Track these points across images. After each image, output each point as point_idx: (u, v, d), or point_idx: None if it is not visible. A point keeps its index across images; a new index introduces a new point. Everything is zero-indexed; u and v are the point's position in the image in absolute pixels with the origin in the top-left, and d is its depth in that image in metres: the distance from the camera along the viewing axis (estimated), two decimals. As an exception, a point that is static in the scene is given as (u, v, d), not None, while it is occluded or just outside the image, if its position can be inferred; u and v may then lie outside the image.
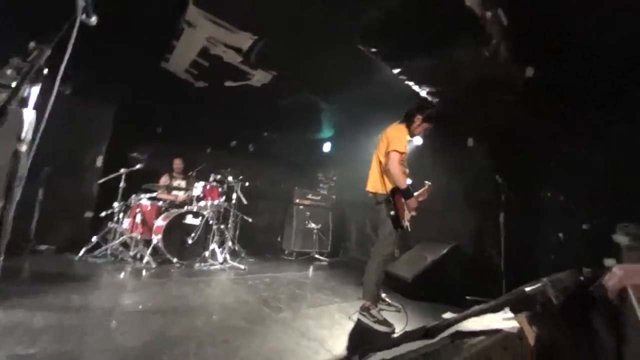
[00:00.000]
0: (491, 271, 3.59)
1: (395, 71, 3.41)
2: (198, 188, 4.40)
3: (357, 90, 4.52)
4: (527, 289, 0.87)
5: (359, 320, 2.36)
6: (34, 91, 0.90)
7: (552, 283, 0.88)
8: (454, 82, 3.45)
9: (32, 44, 0.93)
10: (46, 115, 0.96)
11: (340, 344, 1.93)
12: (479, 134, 4.33)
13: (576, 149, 3.51)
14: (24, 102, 0.87)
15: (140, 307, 2.27)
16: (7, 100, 0.77)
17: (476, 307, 0.80)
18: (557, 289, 0.86)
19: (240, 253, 4.85)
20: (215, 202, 4.35)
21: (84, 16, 1.12)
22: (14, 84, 0.85)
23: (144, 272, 3.42)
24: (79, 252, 3.63)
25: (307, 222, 5.67)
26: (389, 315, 2.42)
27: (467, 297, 2.98)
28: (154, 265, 3.64)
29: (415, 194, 2.56)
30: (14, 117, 0.81)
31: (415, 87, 3.65)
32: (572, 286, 0.99)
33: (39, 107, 0.94)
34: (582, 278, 1.12)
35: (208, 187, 4.41)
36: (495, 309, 0.73)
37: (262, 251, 5.53)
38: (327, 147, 7.07)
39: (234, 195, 4.73)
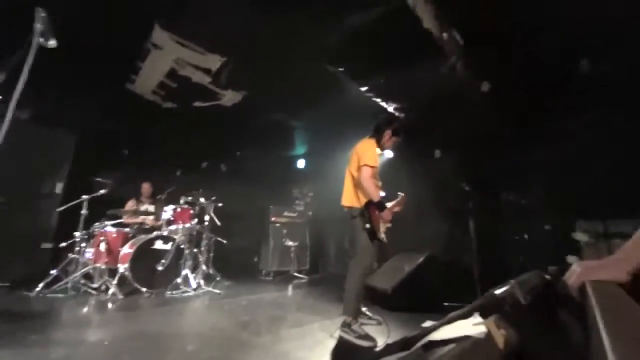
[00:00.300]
0: (466, 277, 3.70)
1: (363, 89, 3.54)
2: (168, 212, 4.22)
3: (327, 107, 4.64)
4: (497, 292, 0.91)
5: (340, 337, 2.32)
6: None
7: (520, 284, 0.93)
8: (417, 97, 3.64)
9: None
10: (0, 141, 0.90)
11: (322, 364, 1.89)
12: (445, 144, 4.56)
13: (533, 154, 3.79)
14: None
15: (106, 342, 2.10)
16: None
17: (450, 315, 0.83)
18: (524, 290, 0.90)
19: (216, 277, 4.65)
20: (187, 225, 4.18)
21: (41, 39, 1.08)
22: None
23: (109, 305, 3.18)
24: (36, 287, 3.32)
25: (284, 239, 5.59)
26: (370, 329, 2.40)
27: (445, 304, 3.04)
28: (120, 297, 3.39)
29: (389, 205, 2.62)
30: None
31: (383, 103, 3.81)
32: (539, 285, 1.04)
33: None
34: (548, 277, 1.19)
35: (178, 209, 4.24)
36: (465, 315, 0.76)
37: (239, 273, 5.35)
38: (301, 163, 7.10)
39: (207, 217, 4.57)
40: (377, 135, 2.75)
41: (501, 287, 0.94)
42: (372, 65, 3.20)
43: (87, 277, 3.74)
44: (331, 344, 2.23)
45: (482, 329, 0.67)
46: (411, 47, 2.94)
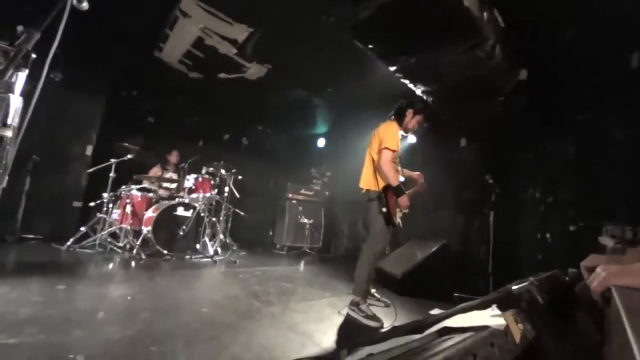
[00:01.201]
0: (479, 269, 3.66)
1: (392, 69, 3.40)
2: (190, 180, 4.36)
3: (352, 87, 4.53)
4: (514, 287, 0.88)
5: (348, 314, 2.38)
6: (21, 77, 0.87)
7: (538, 282, 0.90)
8: (448, 81, 3.47)
9: (19, 28, 0.90)
10: (34, 101, 0.93)
11: (328, 338, 1.95)
12: (472, 133, 4.38)
13: (566, 151, 3.58)
14: (10, 88, 0.85)
15: (129, 298, 2.25)
16: (-7, 85, 0.75)
17: (464, 304, 0.82)
18: (542, 289, 0.88)
19: (232, 246, 4.82)
20: (207, 194, 4.32)
21: (74, 1, 1.09)
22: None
23: (132, 264, 3.39)
24: (66, 242, 3.57)
25: (299, 217, 5.68)
26: (378, 311, 2.44)
27: (455, 294, 3.02)
28: (143, 257, 3.60)
29: (407, 191, 2.58)
30: (1, 103, 0.78)
31: (411, 85, 3.66)
32: (558, 286, 1.01)
33: (27, 94, 0.91)
34: (567, 278, 1.14)
35: (200, 179, 4.37)
36: (482, 306, 0.75)
37: (254, 245, 5.53)
38: (321, 142, 7.06)
39: (226, 189, 4.70)
40: (400, 118, 2.67)
41: (519, 284, 0.91)
42: (403, 44, 3.05)
43: (113, 236, 3.98)
44: (338, 320, 2.29)
45: (500, 321, 0.66)
46: (447, 27, 2.77)
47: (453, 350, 0.50)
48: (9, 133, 0.84)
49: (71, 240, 3.60)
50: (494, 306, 0.73)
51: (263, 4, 3.16)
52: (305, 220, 5.67)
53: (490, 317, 0.68)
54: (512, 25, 3.00)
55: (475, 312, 0.72)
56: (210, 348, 1.65)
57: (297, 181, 6.16)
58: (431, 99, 3.79)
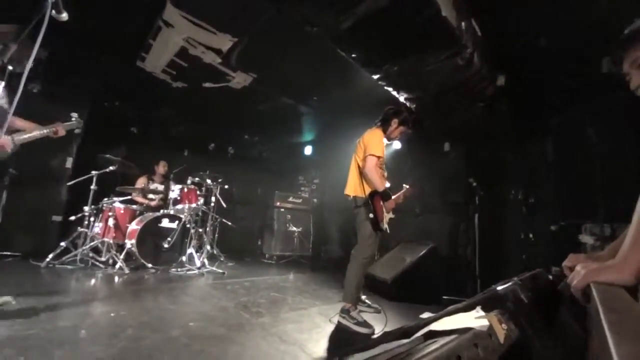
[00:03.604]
0: (467, 271, 3.72)
1: (375, 77, 3.47)
2: (175, 191, 4.28)
3: (337, 94, 4.58)
4: (499, 288, 0.91)
5: (339, 322, 2.37)
6: (-3, 89, 0.85)
7: (522, 282, 0.93)
8: (430, 88, 3.56)
9: (-5, 40, 0.88)
10: (10, 113, 0.91)
11: (320, 347, 1.94)
12: (454, 138, 4.50)
13: (545, 153, 3.72)
14: (-15, 101, 0.82)
15: (112, 314, 2.17)
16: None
17: (450, 307, 0.83)
18: (526, 288, 0.91)
19: (219, 257, 4.75)
20: (193, 205, 4.24)
21: (53, 12, 1.07)
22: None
23: (116, 279, 3.27)
24: (45, 258, 3.42)
25: (288, 225, 5.64)
26: (369, 317, 2.44)
27: (444, 297, 3.06)
28: (127, 271, 3.49)
29: (394, 196, 2.62)
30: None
31: (394, 93, 3.74)
32: (541, 285, 1.04)
33: (4, 104, 0.89)
34: (550, 277, 1.18)
35: (185, 189, 4.29)
36: (468, 308, 0.76)
37: (242, 255, 5.45)
38: (308, 150, 7.09)
39: (213, 199, 4.63)
40: (385, 125, 2.73)
41: (503, 284, 0.94)
42: (385, 53, 3.13)
43: (95, 250, 3.84)
44: (329, 328, 2.28)
45: (484, 322, 0.67)
46: (427, 36, 2.86)
47: (438, 354, 0.51)
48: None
49: (50, 255, 3.45)
50: (479, 307, 0.75)
51: (247, 14, 3.18)
52: (294, 229, 5.64)
53: (474, 319, 0.69)
54: (489, 33, 3.13)
55: (460, 315, 0.73)
56: (199, 363, 1.61)
57: (285, 189, 6.15)
58: (414, 105, 3.88)
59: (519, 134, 3.93)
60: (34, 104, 3.51)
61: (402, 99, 3.81)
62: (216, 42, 3.68)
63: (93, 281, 3.11)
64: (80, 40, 3.47)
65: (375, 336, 2.17)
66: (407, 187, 2.85)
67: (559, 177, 3.57)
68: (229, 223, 4.94)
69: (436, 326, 0.67)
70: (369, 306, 2.76)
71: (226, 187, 4.83)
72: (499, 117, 3.83)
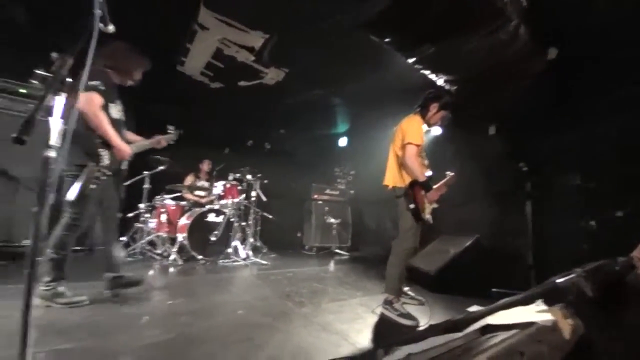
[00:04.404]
0: (518, 263, 3.47)
1: (410, 61, 3.33)
2: (218, 187, 4.50)
3: (370, 83, 4.46)
4: (559, 280, 0.83)
5: (382, 313, 2.34)
6: (59, 100, 0.94)
7: (586, 274, 0.84)
8: (471, 68, 3.33)
9: (54, 55, 0.97)
10: (71, 122, 1.00)
11: (363, 337, 1.93)
12: (500, 120, 4.17)
13: (606, 131, 3.32)
14: (49, 112, 0.91)
15: (169, 302, 2.36)
16: (35, 110, 0.81)
17: (505, 300, 0.78)
18: (591, 280, 0.82)
19: (262, 249, 4.94)
20: (236, 200, 4.44)
21: (101, 25, 1.16)
22: (40, 94, 0.89)
23: (170, 269, 3.55)
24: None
25: (325, 217, 5.68)
26: (412, 309, 2.39)
27: (493, 290, 2.89)
28: (180, 263, 3.78)
29: (435, 185, 2.50)
30: (42, 126, 0.84)
31: (432, 76, 3.55)
32: (608, 277, 0.94)
33: (65, 115, 0.98)
34: (617, 268, 1.06)
35: (228, 186, 4.50)
36: (526, 302, 0.70)
37: (283, 247, 5.60)
38: (343, 141, 7.04)
39: (253, 193, 4.80)
40: (423, 111, 2.59)
41: (564, 276, 0.85)
42: (421, 34, 2.97)
43: (152, 244, 4.19)
44: (372, 319, 2.26)
45: (547, 316, 0.61)
46: (466, 11, 2.66)
47: (498, 349, 0.47)
48: (53, 153, 0.91)
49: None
50: (539, 301, 0.69)
51: (276, 9, 3.20)
52: (332, 220, 5.67)
53: (535, 313, 0.63)
54: (536, 3, 2.82)
55: (519, 308, 0.68)
56: (247, 349, 1.69)
57: (321, 181, 6.18)
58: (454, 88, 3.66)
59: (575, 112, 3.54)
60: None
61: (440, 82, 3.62)
62: (249, 40, 3.76)
63: (151, 272, 3.39)
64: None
65: (420, 328, 2.12)
66: (450, 175, 2.71)
67: (624, 157, 3.16)
68: (270, 216, 5.10)
69: (493, 320, 0.63)
70: (412, 298, 2.70)
71: (265, 181, 4.98)
72: (550, 95, 3.48)
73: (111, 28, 1.25)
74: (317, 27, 3.35)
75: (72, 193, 2.05)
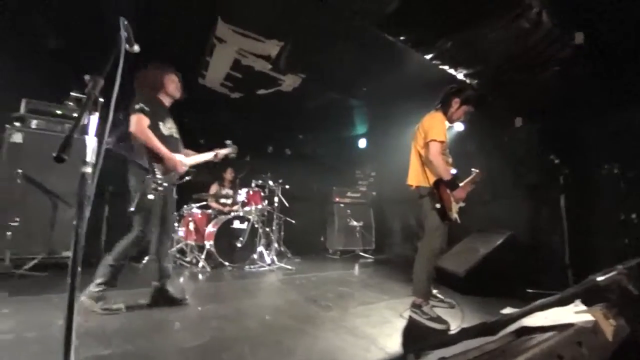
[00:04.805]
0: (554, 261, 3.29)
1: (428, 56, 3.26)
2: (242, 194, 4.61)
3: (387, 83, 4.42)
4: (599, 278, 0.78)
5: (410, 317, 2.29)
6: (93, 119, 1.00)
7: (628, 271, 0.78)
8: (493, 60, 3.22)
9: (87, 77, 1.03)
10: (105, 139, 1.06)
11: (392, 342, 1.90)
12: (527, 112, 3.99)
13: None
14: (85, 130, 0.97)
15: (200, 308, 2.43)
16: (72, 130, 0.87)
17: (541, 301, 0.74)
18: (634, 278, 0.76)
19: (287, 254, 4.99)
20: (259, 206, 4.52)
21: (127, 46, 1.23)
22: (75, 114, 0.96)
23: (200, 276, 3.66)
24: (142, 260, 3.97)
25: (348, 220, 5.65)
26: (442, 312, 2.32)
27: (528, 291, 2.75)
28: (208, 269, 3.89)
29: (462, 183, 2.43)
30: (79, 144, 0.90)
31: (451, 71, 3.46)
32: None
33: (99, 133, 1.04)
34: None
35: (251, 192, 4.60)
36: (563, 302, 0.66)
37: (307, 251, 5.62)
38: (362, 143, 7.00)
39: (276, 199, 4.87)
40: (445, 107, 2.52)
41: (605, 274, 0.80)
42: (437, 29, 2.90)
43: (181, 251, 4.34)
44: (400, 323, 2.22)
45: (587, 317, 0.58)
46: (482, 1, 2.58)
47: (535, 352, 0.45)
48: (89, 169, 0.97)
49: (146, 258, 4.00)
50: (578, 301, 0.65)
51: (288, 16, 3.24)
52: (355, 223, 5.63)
53: (574, 314, 0.60)
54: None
55: (556, 309, 0.64)
56: (276, 353, 1.71)
57: (342, 184, 6.16)
58: (476, 81, 3.55)
59: (607, 99, 3.32)
60: (121, 129, 4.08)
61: (460, 76, 3.52)
62: (265, 49, 3.84)
63: (182, 279, 3.51)
64: (145, 67, 3.92)
65: (452, 332, 2.05)
66: (476, 171, 2.62)
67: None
68: (292, 221, 5.14)
69: (529, 322, 0.60)
70: (441, 301, 2.61)
71: (287, 187, 5.03)
72: (579, 83, 3.29)
73: (136, 48, 1.32)
74: (329, 31, 3.37)
75: (132, 205, 2.23)
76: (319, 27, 3.35)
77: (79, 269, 0.92)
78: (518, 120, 4.07)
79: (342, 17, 2.97)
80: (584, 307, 0.62)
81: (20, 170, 3.34)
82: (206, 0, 3.09)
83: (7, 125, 3.43)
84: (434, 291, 2.64)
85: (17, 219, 3.21)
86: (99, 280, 2.18)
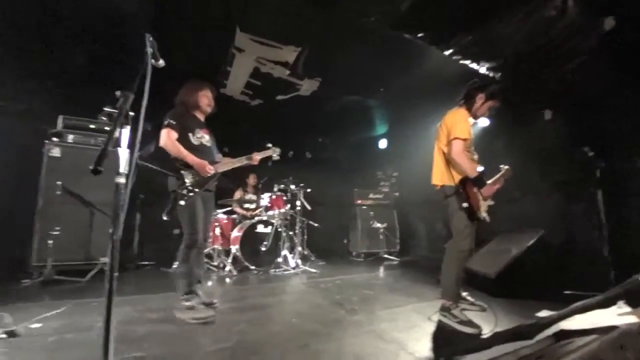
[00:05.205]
0: (593, 260, 3.09)
1: (447, 52, 3.18)
2: (265, 199, 4.68)
3: (406, 81, 4.35)
4: (646, 278, 0.72)
5: (439, 321, 2.22)
6: (125, 132, 1.06)
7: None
8: (517, 51, 3.09)
9: (118, 93, 1.10)
10: (136, 150, 1.12)
11: (421, 346, 1.85)
12: (556, 104, 3.79)
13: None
14: (117, 142, 1.03)
15: (227, 312, 2.48)
16: (106, 143, 0.92)
17: (580, 303, 0.69)
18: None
19: (310, 257, 5.01)
20: (282, 210, 4.58)
21: (153, 61, 1.29)
22: (108, 128, 1.02)
23: (227, 280, 3.75)
24: (172, 265, 4.11)
25: (371, 222, 5.59)
26: (473, 315, 2.23)
27: (566, 292, 2.60)
28: (235, 273, 3.98)
29: (490, 180, 2.34)
30: (112, 156, 0.96)
31: (473, 65, 3.36)
32: None
33: (130, 145, 1.10)
34: None
35: (274, 197, 4.67)
36: (605, 304, 0.62)
37: (330, 254, 5.61)
38: (382, 143, 6.92)
39: (298, 203, 4.91)
40: (469, 103, 2.44)
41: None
42: (455, 23, 2.83)
43: (208, 256, 4.47)
44: (429, 327, 2.16)
45: (631, 319, 0.54)
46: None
47: (576, 356, 0.42)
48: (122, 179, 1.02)
49: (176, 263, 4.14)
50: (621, 302, 0.60)
51: (304, 21, 3.28)
52: (379, 225, 5.56)
53: (617, 316, 0.56)
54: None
55: (598, 311, 0.60)
56: (303, 356, 1.71)
57: (364, 186, 6.11)
58: (499, 74, 3.42)
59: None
60: (148, 139, 4.27)
61: (482, 70, 3.41)
62: (282, 56, 3.91)
63: (210, 283, 3.61)
64: (171, 80, 4.09)
65: (484, 336, 1.97)
66: (506, 168, 2.51)
67: None
68: (315, 224, 5.16)
69: (568, 325, 0.56)
70: (472, 304, 2.51)
71: (308, 190, 5.06)
72: (612, 71, 3.08)
73: (161, 63, 1.38)
74: (345, 33, 3.37)
75: (164, 212, 2.43)
76: (334, 31, 3.36)
77: (116, 274, 0.98)
78: (547, 113, 3.88)
79: (357, 20, 2.96)
80: (628, 309, 0.58)
81: (59, 182, 3.58)
82: (224, 12, 3.19)
83: (46, 141, 3.70)
84: (464, 294, 2.55)
85: (58, 228, 3.43)
86: (180, 294, 2.34)
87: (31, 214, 3.53)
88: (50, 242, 3.37)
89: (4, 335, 1.81)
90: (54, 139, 3.75)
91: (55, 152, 3.69)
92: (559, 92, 3.59)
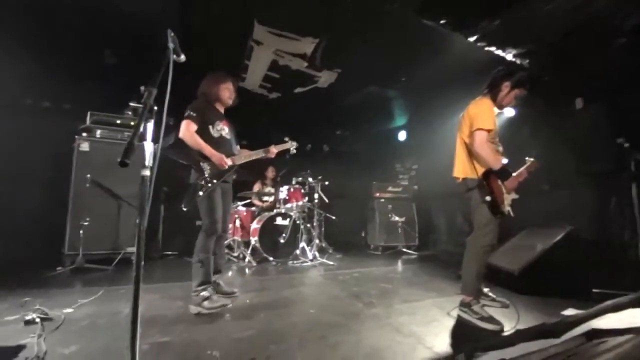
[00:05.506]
0: (625, 257, 2.94)
1: (471, 39, 3.05)
2: (283, 192, 4.74)
3: (426, 70, 4.22)
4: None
5: (459, 316, 2.19)
6: (149, 126, 1.09)
7: None
8: (546, 36, 2.92)
9: (142, 88, 1.13)
10: (160, 144, 1.15)
11: (440, 341, 1.83)
12: (589, 92, 3.57)
13: None
14: (143, 137, 1.06)
15: (248, 301, 2.55)
16: (132, 137, 0.95)
17: (613, 301, 0.66)
18: None
19: (328, 249, 5.04)
20: (300, 203, 4.62)
21: (174, 56, 1.32)
22: (133, 123, 1.05)
23: (246, 270, 3.85)
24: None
25: (390, 215, 5.53)
26: (494, 312, 2.18)
27: (594, 291, 2.48)
28: (254, 264, 4.08)
29: (514, 173, 2.26)
30: (138, 150, 0.99)
31: (499, 52, 3.21)
32: None
33: (155, 138, 1.13)
34: None
35: (292, 189, 4.71)
36: (639, 303, 0.59)
37: (348, 247, 5.62)
38: (401, 135, 6.79)
39: (316, 195, 4.93)
40: (493, 92, 2.33)
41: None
42: (481, 8, 2.70)
43: (229, 247, 4.60)
44: (448, 322, 2.13)
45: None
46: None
47: (610, 356, 0.40)
48: (147, 172, 1.06)
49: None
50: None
51: (322, 11, 3.23)
52: (397, 218, 5.50)
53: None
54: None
55: (632, 310, 0.57)
56: (321, 347, 1.73)
57: (383, 179, 6.04)
58: (527, 61, 3.26)
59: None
60: (169, 131, 4.39)
61: (510, 57, 3.25)
62: (300, 47, 3.88)
63: (230, 273, 3.71)
64: (191, 74, 4.17)
65: (506, 333, 1.92)
66: (531, 160, 2.41)
67: None
68: (333, 217, 5.17)
69: (600, 324, 0.54)
70: (493, 300, 2.45)
71: (326, 183, 5.07)
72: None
73: (182, 58, 1.41)
74: (364, 22, 3.30)
75: (184, 203, 2.50)
76: (353, 19, 3.30)
77: (142, 262, 1.02)
78: (579, 102, 3.67)
79: (378, 8, 2.89)
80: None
81: (89, 176, 3.76)
82: (242, 5, 3.19)
83: (76, 136, 3.88)
84: (485, 290, 2.49)
85: (87, 219, 3.62)
86: (195, 284, 2.39)
87: (64, 205, 3.73)
88: (81, 232, 3.56)
89: (38, 320, 1.93)
90: (84, 134, 3.93)
91: (85, 146, 3.87)
92: (592, 78, 3.38)
